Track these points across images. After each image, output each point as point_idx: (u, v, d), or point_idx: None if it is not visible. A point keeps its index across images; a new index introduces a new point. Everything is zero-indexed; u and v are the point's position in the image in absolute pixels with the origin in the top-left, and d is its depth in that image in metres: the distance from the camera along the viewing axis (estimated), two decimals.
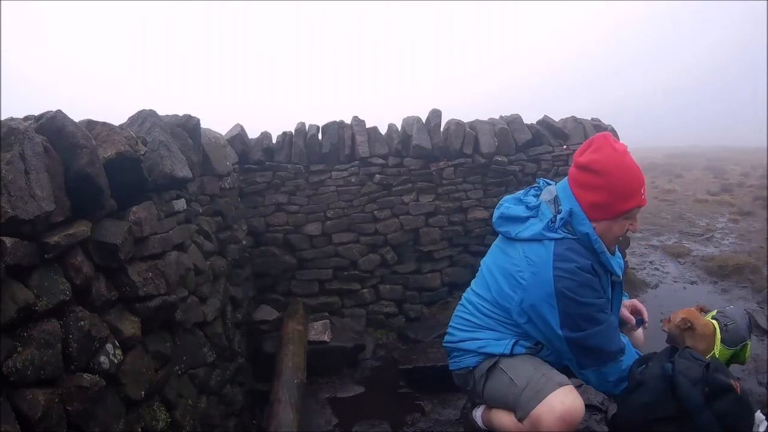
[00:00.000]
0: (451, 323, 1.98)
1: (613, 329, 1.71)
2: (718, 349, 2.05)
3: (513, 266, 1.72)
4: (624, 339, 1.79)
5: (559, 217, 1.70)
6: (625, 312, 2.03)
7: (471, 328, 1.86)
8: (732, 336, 2.07)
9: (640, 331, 2.08)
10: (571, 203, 1.71)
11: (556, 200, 1.77)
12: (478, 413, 1.99)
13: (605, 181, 1.66)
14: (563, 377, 1.68)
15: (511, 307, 1.73)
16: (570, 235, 1.69)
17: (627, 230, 1.74)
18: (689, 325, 2.04)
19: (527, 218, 1.78)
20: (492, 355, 1.79)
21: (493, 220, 1.90)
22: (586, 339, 1.63)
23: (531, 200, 1.86)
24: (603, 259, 1.71)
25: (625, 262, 4.27)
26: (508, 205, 1.88)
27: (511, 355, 1.75)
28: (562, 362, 1.76)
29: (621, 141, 1.78)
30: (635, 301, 2.12)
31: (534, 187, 1.93)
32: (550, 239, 1.68)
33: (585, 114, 4.25)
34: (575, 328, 1.62)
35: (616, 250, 1.91)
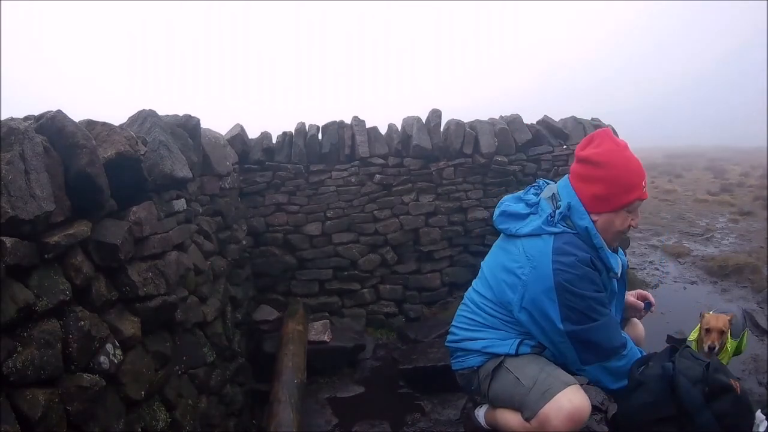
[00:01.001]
0: (453, 322, 1.97)
1: (614, 324, 1.71)
2: (728, 342, 2.21)
3: (513, 262, 1.73)
4: (625, 336, 1.78)
5: (558, 211, 1.71)
6: (631, 298, 2.05)
7: (474, 326, 1.86)
8: (735, 328, 2.23)
9: (641, 326, 2.11)
10: (571, 198, 1.72)
11: (555, 196, 1.78)
12: (480, 413, 1.99)
13: (606, 173, 1.67)
14: (569, 376, 1.68)
15: (512, 303, 1.72)
16: (569, 230, 1.69)
17: (629, 226, 1.74)
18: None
19: (527, 215, 1.80)
20: (497, 355, 1.79)
21: (494, 218, 1.91)
22: (587, 332, 1.62)
23: (531, 198, 1.87)
24: (602, 255, 1.70)
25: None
26: (508, 203, 1.90)
27: (517, 354, 1.75)
28: (565, 361, 1.75)
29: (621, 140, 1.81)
30: (639, 290, 2.13)
31: (534, 185, 1.94)
32: (550, 233, 1.69)
33: (585, 114, 4.25)
34: (576, 322, 1.61)
35: (618, 249, 1.91)
